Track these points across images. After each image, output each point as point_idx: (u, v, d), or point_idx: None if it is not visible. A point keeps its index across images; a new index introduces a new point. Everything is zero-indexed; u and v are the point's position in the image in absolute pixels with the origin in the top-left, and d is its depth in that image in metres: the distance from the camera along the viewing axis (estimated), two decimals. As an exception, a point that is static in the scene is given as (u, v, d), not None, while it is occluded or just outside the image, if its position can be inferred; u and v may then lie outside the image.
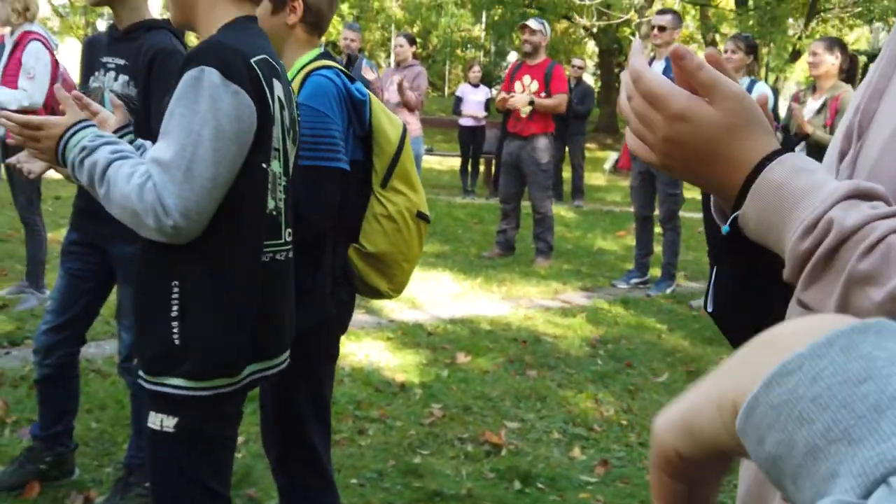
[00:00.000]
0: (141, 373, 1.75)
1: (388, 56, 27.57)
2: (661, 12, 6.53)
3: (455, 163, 13.63)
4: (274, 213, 1.78)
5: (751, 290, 0.81)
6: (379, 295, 2.36)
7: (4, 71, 4.89)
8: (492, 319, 5.46)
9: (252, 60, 1.65)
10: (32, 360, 3.01)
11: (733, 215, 0.75)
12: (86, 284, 2.86)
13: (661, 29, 6.21)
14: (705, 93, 0.74)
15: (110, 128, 1.89)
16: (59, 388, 2.94)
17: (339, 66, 2.22)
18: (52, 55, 4.99)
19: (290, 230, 1.85)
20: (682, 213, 6.77)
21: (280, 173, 1.79)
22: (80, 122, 1.71)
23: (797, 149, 5.11)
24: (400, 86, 7.70)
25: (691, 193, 9.88)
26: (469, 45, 23.71)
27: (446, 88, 30.75)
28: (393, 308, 5.53)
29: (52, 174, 2.67)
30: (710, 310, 0.84)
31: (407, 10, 21.97)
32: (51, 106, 4.89)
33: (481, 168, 12.48)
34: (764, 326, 0.44)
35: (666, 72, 5.79)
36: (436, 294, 6.08)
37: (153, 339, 1.72)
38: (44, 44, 4.92)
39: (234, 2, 1.75)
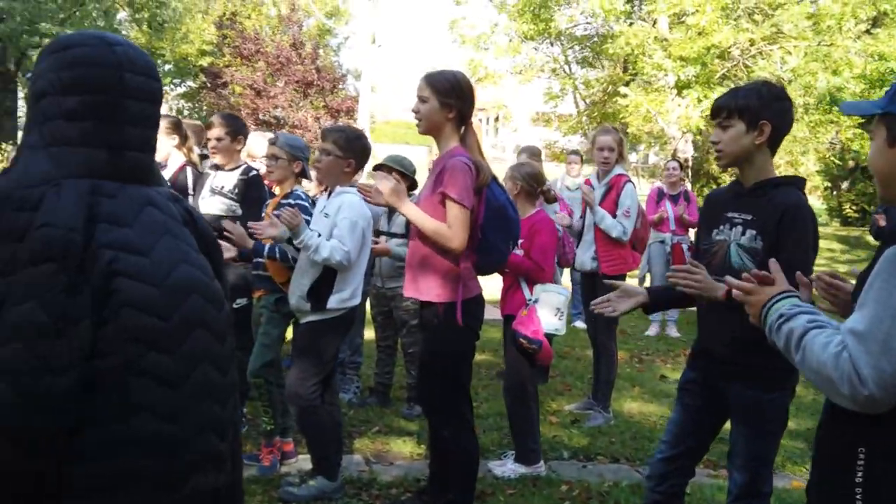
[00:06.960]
0: None
1: None
2: None
3: None
4: None
5: None
6: None
7: (601, 206, 5.59)
8: None
9: None
10: (645, 485, 3.35)
11: None
12: (701, 420, 3.04)
13: None
14: None
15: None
16: None
17: None
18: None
19: None
20: None
21: None
22: (785, 291, 1.90)
23: None
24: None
25: None
26: None
27: None
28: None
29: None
30: None
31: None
32: (632, 242, 5.58)
33: None
34: None
35: None
36: None
37: (834, 501, 1.78)
38: (634, 186, 5.62)
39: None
